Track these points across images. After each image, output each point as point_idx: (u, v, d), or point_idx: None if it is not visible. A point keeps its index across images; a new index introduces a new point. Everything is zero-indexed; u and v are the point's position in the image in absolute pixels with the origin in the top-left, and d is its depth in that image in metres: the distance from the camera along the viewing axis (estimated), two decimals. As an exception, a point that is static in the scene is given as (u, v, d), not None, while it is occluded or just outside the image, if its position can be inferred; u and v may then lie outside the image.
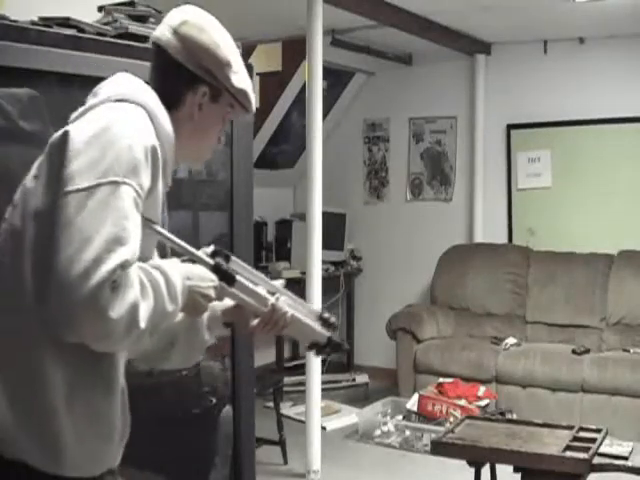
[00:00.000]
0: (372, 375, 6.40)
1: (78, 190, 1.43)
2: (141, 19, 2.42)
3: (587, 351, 5.26)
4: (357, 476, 4.60)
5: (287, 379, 5.56)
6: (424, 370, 5.57)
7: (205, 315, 1.79)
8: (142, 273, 1.48)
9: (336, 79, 6.57)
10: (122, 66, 2.03)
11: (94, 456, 1.61)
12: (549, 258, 5.86)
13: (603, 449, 2.99)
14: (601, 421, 3.88)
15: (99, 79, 2.05)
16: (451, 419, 4.82)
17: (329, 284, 5.91)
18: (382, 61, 6.40)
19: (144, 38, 2.35)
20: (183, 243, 1.66)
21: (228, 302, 1.78)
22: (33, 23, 2.11)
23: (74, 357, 1.53)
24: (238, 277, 1.69)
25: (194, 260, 1.65)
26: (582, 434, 3.13)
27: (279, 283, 1.84)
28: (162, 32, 1.67)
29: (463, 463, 3.15)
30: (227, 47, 1.68)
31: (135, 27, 2.34)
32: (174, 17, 1.69)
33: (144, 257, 1.56)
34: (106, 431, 1.62)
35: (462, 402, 5.00)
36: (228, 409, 2.66)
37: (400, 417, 5.21)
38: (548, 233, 6.09)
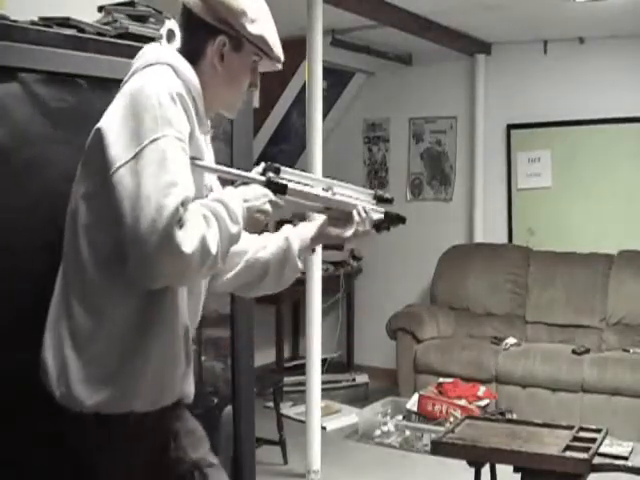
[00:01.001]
0: (372, 375, 6.40)
1: (126, 162, 1.59)
2: (141, 19, 2.42)
3: (587, 351, 5.26)
4: (357, 476, 4.60)
5: (287, 379, 5.55)
6: (424, 370, 5.57)
7: (296, 245, 2.02)
8: (202, 207, 1.64)
9: (336, 79, 6.57)
10: (122, 66, 2.03)
11: (161, 386, 1.76)
12: (549, 258, 5.85)
13: (603, 449, 2.99)
14: (601, 421, 3.87)
15: (99, 79, 2.05)
16: (451, 419, 4.82)
17: (329, 284, 5.91)
18: (382, 61, 6.40)
19: (144, 38, 2.35)
20: (233, 170, 1.84)
21: (313, 230, 2.04)
22: (33, 23, 2.10)
23: (136, 303, 1.71)
24: (290, 185, 1.84)
25: (246, 183, 1.80)
26: (582, 434, 3.13)
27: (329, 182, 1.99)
28: None
29: (463, 463, 3.14)
30: None
31: (135, 27, 2.34)
32: None
33: (200, 195, 1.73)
34: (169, 363, 1.77)
35: (462, 402, 5.00)
36: (229, 409, 2.66)
37: (400, 417, 5.21)
38: (548, 233, 6.09)
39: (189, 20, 1.79)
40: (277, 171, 1.85)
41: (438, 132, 6.60)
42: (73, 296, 1.74)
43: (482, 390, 5.17)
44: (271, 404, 4.94)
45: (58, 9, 2.21)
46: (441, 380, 5.29)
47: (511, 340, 5.54)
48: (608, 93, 5.79)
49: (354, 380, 6.39)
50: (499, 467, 3.18)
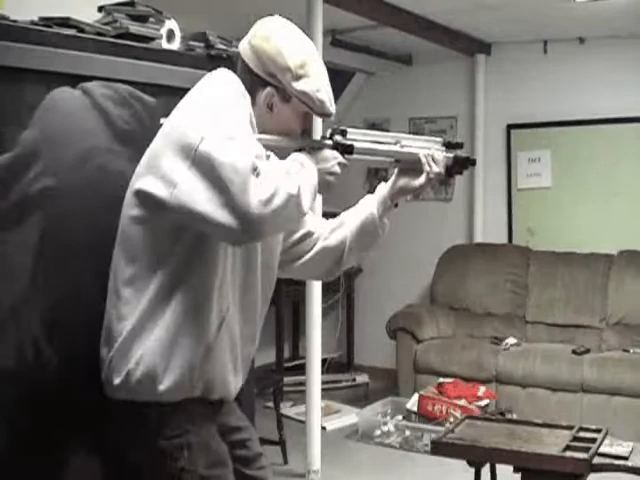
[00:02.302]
0: (372, 375, 6.40)
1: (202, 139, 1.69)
2: (141, 19, 2.42)
3: (587, 351, 5.26)
4: (357, 476, 4.60)
5: (287, 379, 5.55)
6: (424, 370, 5.57)
7: (376, 210, 2.13)
8: (277, 163, 1.74)
9: (336, 79, 6.56)
10: (122, 66, 2.04)
11: (189, 376, 1.80)
12: (549, 258, 5.85)
13: (603, 449, 2.98)
14: (601, 421, 3.87)
15: (99, 79, 2.05)
16: (451, 419, 4.82)
17: (329, 284, 5.90)
18: (382, 61, 6.40)
19: (144, 38, 2.35)
20: (299, 139, 1.90)
21: (387, 189, 2.13)
22: (33, 23, 2.10)
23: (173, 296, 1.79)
24: (356, 144, 1.94)
25: (314, 148, 1.89)
26: (582, 434, 3.12)
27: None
28: (243, 43, 1.91)
29: (463, 463, 3.14)
30: (291, 53, 1.85)
31: (135, 27, 2.34)
32: (254, 28, 1.91)
33: None
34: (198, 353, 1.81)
35: (462, 402, 5.00)
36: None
37: (400, 417, 5.21)
38: (548, 233, 6.09)
39: (242, 67, 1.90)
40: (344, 133, 1.94)
41: (438, 132, 6.60)
42: (121, 283, 1.82)
43: (482, 390, 5.17)
44: (271, 404, 4.94)
45: (58, 9, 2.21)
46: (441, 380, 5.29)
47: (511, 340, 5.54)
48: (608, 93, 5.79)
49: (354, 380, 6.39)
50: (499, 467, 3.18)
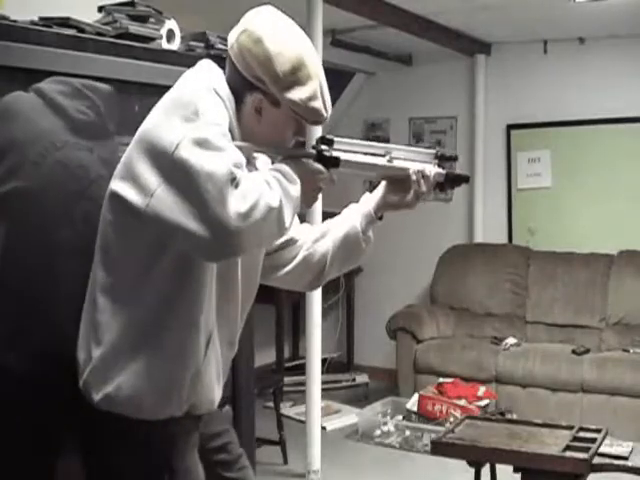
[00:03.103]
0: (372, 375, 6.40)
1: (178, 145, 1.59)
2: (141, 19, 2.42)
3: (587, 351, 5.26)
4: (357, 476, 4.60)
5: (287, 379, 5.55)
6: (424, 370, 5.57)
7: (359, 224, 2.02)
8: (259, 173, 1.66)
9: (336, 79, 6.57)
10: (122, 66, 2.04)
11: (168, 391, 1.73)
12: (549, 258, 5.85)
13: (603, 449, 2.99)
14: (601, 421, 3.87)
15: (99, 79, 2.05)
16: (451, 419, 4.82)
17: (329, 284, 5.83)
18: (382, 61, 6.40)
19: (144, 38, 2.36)
20: (280, 148, 1.78)
21: (374, 202, 2.02)
22: (33, 23, 2.10)
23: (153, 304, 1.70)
24: (343, 156, 1.80)
25: (297, 157, 1.77)
26: (582, 434, 3.12)
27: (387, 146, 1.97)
28: (231, 35, 1.76)
29: (463, 463, 3.14)
30: (282, 59, 1.70)
31: (135, 27, 2.34)
32: (242, 21, 1.76)
33: None
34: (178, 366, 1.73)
35: (462, 402, 5.00)
36: (228, 409, 2.67)
37: (400, 417, 5.21)
38: (548, 233, 6.09)
39: (230, 66, 1.78)
40: (330, 143, 1.81)
41: (438, 132, 6.60)
42: (99, 290, 1.75)
43: (482, 390, 5.17)
44: (271, 404, 4.94)
45: (58, 9, 2.21)
46: (441, 380, 5.29)
47: (511, 340, 5.54)
48: (608, 93, 5.79)
49: (354, 380, 6.39)
50: (499, 467, 3.18)
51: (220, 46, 2.60)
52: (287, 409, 5.55)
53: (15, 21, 2.03)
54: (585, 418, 4.69)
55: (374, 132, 6.90)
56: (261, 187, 1.59)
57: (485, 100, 6.31)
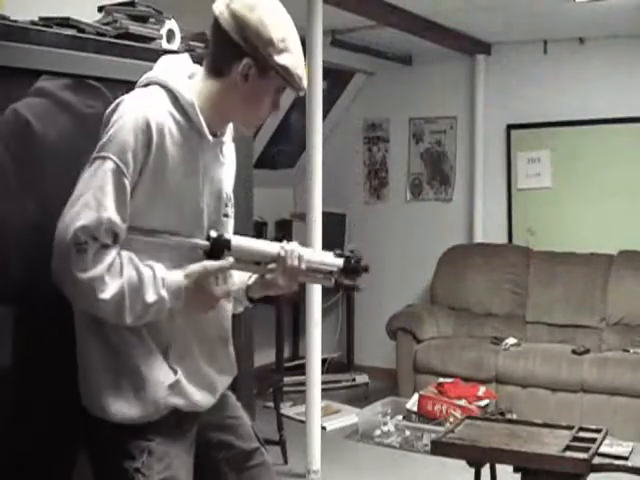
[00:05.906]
0: (372, 375, 6.40)
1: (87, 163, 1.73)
2: (141, 19, 2.41)
3: (587, 351, 5.26)
4: (357, 476, 4.60)
5: (287, 379, 5.55)
6: (424, 370, 5.57)
7: (239, 292, 2.00)
8: (126, 260, 1.69)
9: (336, 79, 6.57)
10: (122, 66, 2.03)
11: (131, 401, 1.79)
12: (549, 258, 5.85)
13: (603, 449, 2.99)
14: (601, 421, 3.87)
15: (99, 79, 2.05)
16: (451, 419, 4.82)
17: (329, 284, 5.89)
18: (382, 61, 6.40)
19: (144, 38, 2.35)
20: (177, 238, 1.79)
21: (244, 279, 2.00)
22: (33, 23, 2.10)
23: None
24: (234, 239, 1.84)
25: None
26: (582, 434, 3.12)
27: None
28: (218, 5, 1.81)
29: (463, 463, 3.14)
30: (274, 26, 1.78)
31: (135, 27, 2.34)
32: None
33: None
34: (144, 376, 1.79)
35: (462, 402, 5.00)
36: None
37: (400, 417, 5.21)
38: (548, 233, 6.09)
39: (218, 35, 1.82)
40: (227, 243, 1.82)
41: (438, 132, 6.60)
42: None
43: (482, 390, 5.17)
44: (271, 404, 4.94)
45: (58, 9, 2.21)
46: (441, 380, 5.29)
47: (511, 340, 5.54)
48: (608, 93, 5.79)
49: (354, 380, 6.39)
50: (499, 467, 3.18)
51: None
52: (287, 409, 5.55)
53: (15, 21, 2.03)
54: (585, 418, 4.69)
55: (374, 132, 6.90)
56: (98, 276, 1.65)
57: (485, 100, 6.31)
